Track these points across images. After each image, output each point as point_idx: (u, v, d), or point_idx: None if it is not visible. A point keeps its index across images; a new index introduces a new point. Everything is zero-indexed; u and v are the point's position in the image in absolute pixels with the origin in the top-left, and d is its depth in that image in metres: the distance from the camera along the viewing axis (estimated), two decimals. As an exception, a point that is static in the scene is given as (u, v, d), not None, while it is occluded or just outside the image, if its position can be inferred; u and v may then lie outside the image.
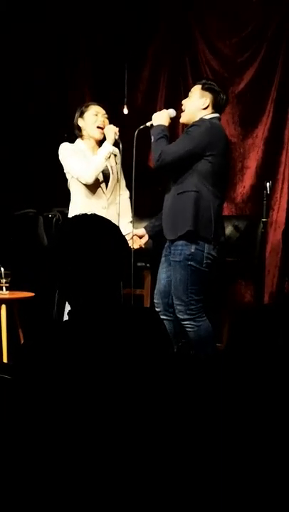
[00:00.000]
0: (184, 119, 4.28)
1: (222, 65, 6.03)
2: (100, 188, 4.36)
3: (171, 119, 4.30)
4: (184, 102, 4.29)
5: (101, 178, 4.35)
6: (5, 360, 4.70)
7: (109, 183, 4.40)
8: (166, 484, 1.87)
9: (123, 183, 4.54)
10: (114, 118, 4.69)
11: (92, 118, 4.39)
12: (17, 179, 6.16)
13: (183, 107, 4.27)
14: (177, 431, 1.95)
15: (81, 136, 4.43)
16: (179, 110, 4.29)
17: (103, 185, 4.37)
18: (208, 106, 4.17)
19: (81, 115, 4.41)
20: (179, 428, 1.97)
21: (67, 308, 4.36)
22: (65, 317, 4.43)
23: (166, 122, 4.24)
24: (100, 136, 4.40)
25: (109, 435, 1.84)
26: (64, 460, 1.83)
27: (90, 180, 4.29)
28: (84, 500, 1.80)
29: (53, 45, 6.68)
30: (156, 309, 4.31)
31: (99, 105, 4.49)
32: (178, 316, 4.12)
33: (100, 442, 1.83)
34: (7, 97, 6.43)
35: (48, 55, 6.73)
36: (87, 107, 4.46)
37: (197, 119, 4.15)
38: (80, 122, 4.41)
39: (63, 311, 4.46)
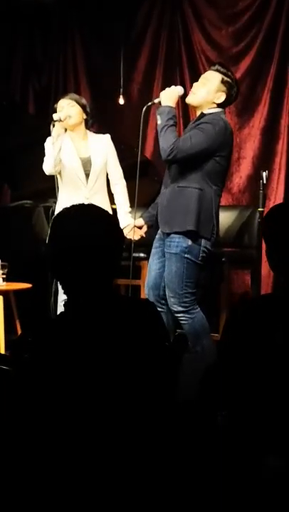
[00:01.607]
0: (192, 101, 4.16)
1: (218, 55, 6.00)
2: (78, 179, 4.39)
3: (180, 97, 4.16)
4: (196, 85, 4.15)
5: (78, 168, 4.37)
6: (2, 351, 4.70)
7: (91, 174, 4.42)
8: (164, 474, 1.87)
9: (117, 171, 4.54)
10: (110, 108, 4.71)
11: (54, 115, 4.44)
12: (13, 170, 6.15)
13: (193, 90, 4.14)
14: (174, 420, 1.96)
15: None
16: (188, 90, 4.22)
17: (82, 175, 4.40)
18: (221, 96, 4.07)
19: (54, 113, 4.49)
20: (176, 417, 1.97)
21: (61, 297, 4.37)
22: (60, 308, 4.46)
23: (174, 103, 4.10)
24: (61, 128, 4.43)
25: (107, 424, 1.84)
26: (64, 450, 1.83)
27: (47, 170, 4.39)
28: (87, 490, 1.81)
29: (50, 34, 6.69)
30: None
31: (68, 96, 4.53)
32: (171, 308, 4.11)
33: (97, 431, 1.83)
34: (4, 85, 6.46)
35: (44, 44, 6.74)
36: (57, 102, 4.53)
37: (205, 108, 4.08)
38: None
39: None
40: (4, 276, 4.82)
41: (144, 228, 4.45)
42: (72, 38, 6.70)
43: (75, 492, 1.81)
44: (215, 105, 4.11)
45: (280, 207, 2.41)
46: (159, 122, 4.09)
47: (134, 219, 4.47)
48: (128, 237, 4.35)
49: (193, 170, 4.03)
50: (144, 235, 4.46)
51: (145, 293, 4.37)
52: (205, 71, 5.92)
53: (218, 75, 4.10)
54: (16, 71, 6.92)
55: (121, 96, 6.07)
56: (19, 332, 4.93)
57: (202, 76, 4.20)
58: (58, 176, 4.44)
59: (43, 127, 5.50)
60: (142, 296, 5.10)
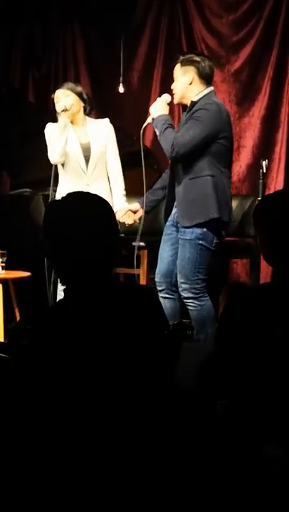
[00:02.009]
0: (176, 100, 4.21)
1: (218, 43, 5.99)
2: (78, 166, 4.38)
3: (169, 104, 4.23)
4: (172, 86, 4.22)
5: (78, 154, 4.36)
6: (1, 339, 4.71)
7: (91, 160, 4.41)
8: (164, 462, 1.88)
9: (114, 155, 4.52)
10: (110, 97, 4.70)
11: (57, 105, 4.42)
12: (12, 158, 6.14)
13: (173, 91, 4.20)
14: (172, 408, 1.96)
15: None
16: (171, 94, 4.25)
17: (82, 162, 4.39)
18: (192, 80, 4.09)
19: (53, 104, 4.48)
20: (174, 405, 1.97)
21: (61, 287, 4.37)
22: (59, 296, 4.46)
23: (165, 111, 4.17)
24: (64, 121, 4.40)
25: (106, 412, 1.84)
26: (62, 438, 1.83)
27: (54, 159, 4.37)
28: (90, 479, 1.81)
29: (50, 22, 6.66)
30: (158, 288, 4.31)
31: (64, 86, 4.51)
32: (182, 294, 4.13)
33: (96, 419, 1.84)
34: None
35: (44, 32, 6.71)
36: (53, 95, 4.51)
37: (191, 96, 4.10)
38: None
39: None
40: (3, 264, 4.82)
41: (140, 213, 4.42)
42: (72, 26, 6.67)
43: (74, 479, 1.81)
44: (196, 87, 4.10)
45: (272, 196, 2.41)
46: (157, 133, 4.14)
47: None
48: (121, 220, 4.33)
49: (200, 158, 4.03)
50: (137, 221, 4.43)
51: (156, 280, 4.37)
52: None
53: (177, 64, 4.17)
54: (15, 59, 6.88)
55: (121, 84, 6.05)
56: (18, 320, 4.93)
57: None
58: (59, 164, 4.43)
59: (42, 115, 5.50)
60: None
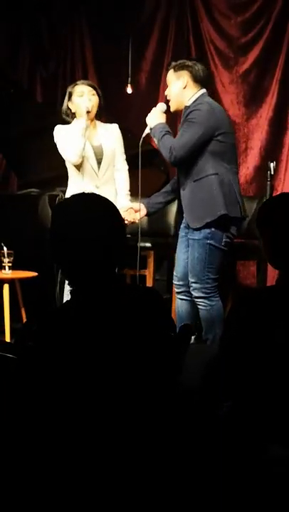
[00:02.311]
0: (172, 107, 4.25)
1: (227, 45, 5.99)
2: (90, 168, 4.37)
3: (165, 112, 4.26)
4: (166, 92, 4.26)
5: (91, 156, 4.35)
6: (8, 339, 4.71)
7: (103, 162, 4.40)
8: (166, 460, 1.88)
9: (121, 158, 4.52)
10: (118, 98, 4.71)
11: (78, 99, 4.37)
12: (20, 158, 6.15)
13: (168, 97, 4.24)
14: (175, 409, 1.96)
15: (72, 118, 4.43)
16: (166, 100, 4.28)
17: (94, 164, 4.38)
18: (186, 84, 4.13)
19: (69, 98, 4.41)
20: (178, 406, 1.97)
21: (68, 287, 4.38)
22: (66, 297, 4.46)
23: (161, 119, 4.21)
24: (87, 122, 4.35)
25: (109, 413, 1.84)
26: (66, 438, 1.83)
27: (73, 160, 4.33)
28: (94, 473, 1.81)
29: (57, 22, 6.67)
30: (176, 290, 4.35)
31: (86, 83, 4.47)
32: (193, 293, 4.16)
33: (99, 420, 1.84)
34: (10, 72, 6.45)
35: (52, 32, 6.72)
36: (73, 87, 4.44)
37: (185, 101, 4.13)
38: (70, 105, 4.41)
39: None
40: (10, 264, 4.83)
41: (142, 213, 4.42)
42: (80, 26, 6.68)
43: (78, 478, 1.81)
44: (190, 91, 4.14)
45: (275, 199, 2.42)
46: (156, 142, 4.17)
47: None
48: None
49: (202, 158, 4.04)
50: (137, 220, 4.43)
51: (174, 282, 4.39)
52: (214, 61, 5.96)
53: (170, 71, 4.20)
54: (23, 58, 6.90)
55: (129, 85, 6.05)
56: (25, 320, 4.93)
57: None
58: (70, 165, 4.42)
59: (50, 115, 5.50)
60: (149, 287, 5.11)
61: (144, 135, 4.26)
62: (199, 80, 4.17)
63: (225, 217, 4.05)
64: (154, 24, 6.35)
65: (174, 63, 4.21)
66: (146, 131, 4.24)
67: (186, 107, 4.13)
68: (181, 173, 4.17)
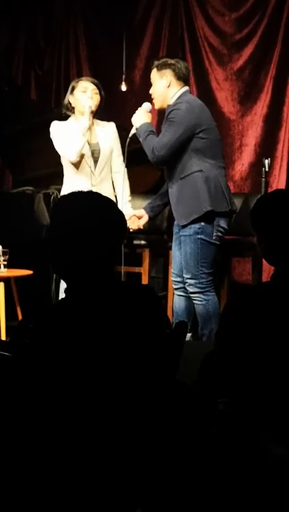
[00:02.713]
0: (157, 105, 4.31)
1: (221, 41, 5.98)
2: (87, 166, 4.36)
3: (151, 111, 4.34)
4: (150, 91, 4.30)
5: (88, 155, 4.34)
6: (3, 337, 4.71)
7: (99, 161, 4.39)
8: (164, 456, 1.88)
9: (119, 159, 4.51)
10: (112, 95, 4.71)
11: (81, 95, 4.35)
12: (14, 155, 6.14)
13: (152, 95, 4.29)
14: (172, 406, 1.96)
15: (73, 113, 4.41)
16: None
17: (91, 162, 4.36)
18: (170, 83, 4.18)
19: (72, 92, 4.39)
20: (175, 402, 1.97)
21: (63, 285, 4.37)
22: (62, 295, 4.46)
23: (147, 119, 4.26)
24: (89, 122, 4.35)
25: (106, 411, 1.84)
26: (63, 438, 1.83)
27: (73, 158, 4.31)
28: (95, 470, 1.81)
29: (52, 19, 6.66)
30: (174, 287, 4.39)
31: (90, 80, 4.45)
32: (188, 289, 4.19)
33: (96, 419, 1.83)
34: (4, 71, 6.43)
35: (46, 29, 6.71)
36: (78, 82, 4.43)
37: (169, 99, 4.17)
38: (71, 99, 4.39)
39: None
40: (5, 262, 4.82)
41: (145, 219, 4.49)
42: (75, 24, 6.66)
43: (76, 477, 1.81)
44: (173, 89, 4.18)
45: (268, 196, 2.42)
46: (141, 141, 4.20)
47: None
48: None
49: (185, 156, 4.10)
50: (141, 227, 4.50)
51: (171, 279, 4.45)
52: (208, 58, 5.97)
53: (153, 70, 4.26)
54: (17, 56, 6.89)
55: (123, 82, 6.04)
56: (20, 318, 4.93)
57: None
58: (66, 163, 4.41)
59: (44, 113, 5.49)
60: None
61: (130, 135, 4.30)
62: (182, 78, 4.22)
63: (211, 212, 4.06)
64: (148, 21, 6.34)
65: (156, 62, 4.27)
66: (133, 131, 4.29)
67: (168, 106, 4.17)
68: (169, 172, 4.25)
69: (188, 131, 4.05)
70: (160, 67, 4.21)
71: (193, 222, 4.08)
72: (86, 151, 4.36)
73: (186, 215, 4.12)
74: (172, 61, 4.23)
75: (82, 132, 4.27)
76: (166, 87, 4.18)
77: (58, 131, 4.37)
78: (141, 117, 4.25)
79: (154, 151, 4.08)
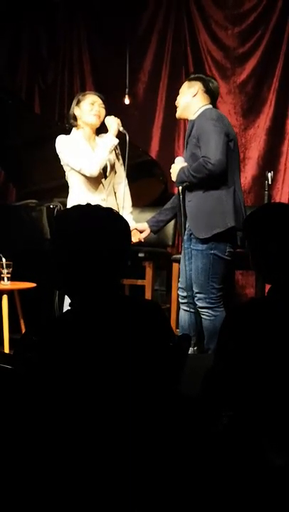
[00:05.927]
0: (178, 113, 4.29)
1: (224, 55, 6.01)
2: (98, 180, 4.35)
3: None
4: (177, 100, 4.30)
5: (101, 170, 4.35)
6: (7, 350, 4.71)
7: (108, 175, 4.40)
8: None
9: (122, 171, 4.52)
10: (115, 108, 4.70)
11: (88, 107, 4.36)
12: (18, 168, 6.15)
13: (177, 104, 4.29)
14: (175, 419, 1.96)
15: (76, 125, 4.41)
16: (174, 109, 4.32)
17: (101, 176, 4.36)
18: (197, 92, 4.17)
19: (77, 104, 4.40)
20: (177, 416, 1.97)
21: (67, 298, 4.38)
22: (66, 307, 4.46)
23: (179, 167, 4.16)
24: (96, 122, 4.37)
25: (109, 423, 1.84)
26: (66, 449, 1.83)
27: (95, 174, 4.28)
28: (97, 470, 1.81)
29: (56, 33, 6.70)
30: (181, 301, 4.33)
31: (97, 95, 4.46)
32: (197, 303, 4.14)
33: (100, 431, 1.83)
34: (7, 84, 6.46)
35: (50, 42, 6.75)
36: (84, 95, 4.44)
37: (192, 111, 4.15)
38: (76, 111, 4.38)
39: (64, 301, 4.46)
40: (9, 275, 4.82)
41: (146, 233, 4.47)
42: (78, 37, 6.70)
43: (78, 485, 1.81)
44: (198, 100, 4.18)
45: (261, 210, 2.37)
46: (192, 180, 4.03)
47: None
48: None
49: None
50: (142, 240, 4.47)
51: (178, 293, 4.39)
52: (211, 71, 5.99)
53: (186, 82, 4.28)
54: (21, 69, 6.93)
55: (126, 96, 6.07)
56: (23, 331, 4.93)
57: None
58: (76, 177, 4.36)
59: (48, 126, 5.50)
60: (147, 297, 5.11)
61: (180, 189, 4.15)
62: (210, 93, 4.21)
63: (232, 228, 4.04)
64: (151, 35, 6.38)
65: (191, 76, 4.33)
66: (180, 187, 4.15)
67: (192, 122, 4.13)
68: (190, 186, 4.11)
69: (225, 135, 4.00)
70: (192, 79, 4.25)
71: (211, 237, 4.04)
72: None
73: (208, 228, 4.04)
74: (205, 76, 4.29)
75: (110, 149, 4.29)
76: (192, 96, 4.17)
77: (68, 146, 4.32)
78: (175, 170, 4.18)
79: (207, 161, 3.91)
